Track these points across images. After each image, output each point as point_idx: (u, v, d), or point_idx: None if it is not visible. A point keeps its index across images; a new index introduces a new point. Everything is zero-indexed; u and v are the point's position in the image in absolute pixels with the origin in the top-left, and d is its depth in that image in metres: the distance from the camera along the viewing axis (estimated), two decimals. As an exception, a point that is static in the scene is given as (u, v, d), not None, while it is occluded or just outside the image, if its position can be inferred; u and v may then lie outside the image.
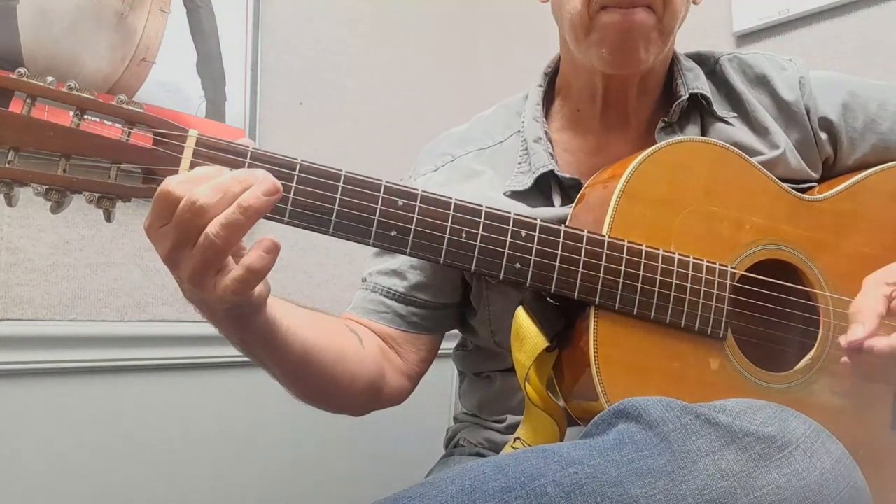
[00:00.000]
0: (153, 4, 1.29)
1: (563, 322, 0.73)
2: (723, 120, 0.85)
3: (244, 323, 0.64)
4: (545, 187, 0.85)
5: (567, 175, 0.84)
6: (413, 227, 0.65)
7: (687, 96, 0.84)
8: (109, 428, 1.19)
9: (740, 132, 0.84)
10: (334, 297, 1.53)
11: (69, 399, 1.15)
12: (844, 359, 0.72)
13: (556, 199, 0.84)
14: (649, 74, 0.84)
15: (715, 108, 0.85)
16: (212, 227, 0.55)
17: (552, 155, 0.85)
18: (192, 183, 0.56)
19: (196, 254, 0.57)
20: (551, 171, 0.84)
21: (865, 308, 0.70)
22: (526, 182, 0.84)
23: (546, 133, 0.87)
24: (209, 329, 1.35)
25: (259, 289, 0.61)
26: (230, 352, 1.34)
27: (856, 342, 0.68)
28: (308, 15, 1.60)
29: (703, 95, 0.85)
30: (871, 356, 0.68)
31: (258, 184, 0.56)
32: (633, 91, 0.85)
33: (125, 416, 1.20)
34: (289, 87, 1.54)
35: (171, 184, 0.56)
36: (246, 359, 1.35)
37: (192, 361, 1.30)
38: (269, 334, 0.67)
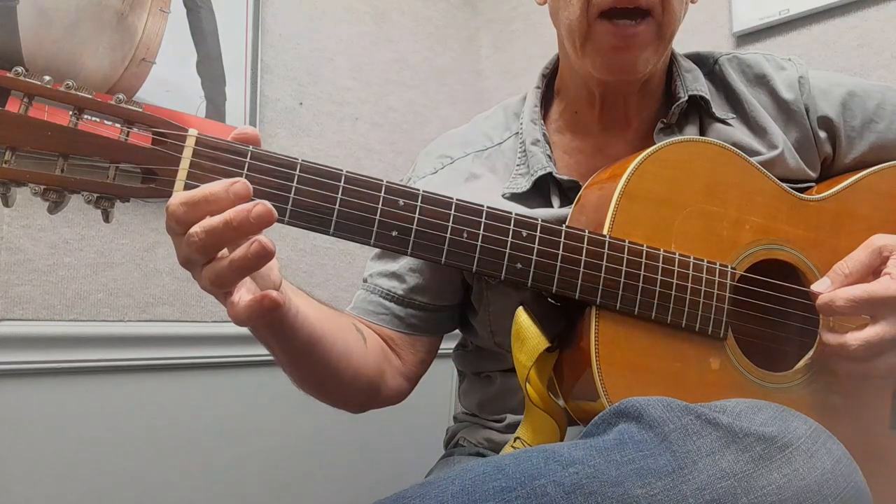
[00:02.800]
0: (153, 4, 1.30)
1: (563, 322, 0.73)
2: (721, 121, 0.85)
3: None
4: (544, 189, 0.85)
5: (566, 177, 0.83)
6: (414, 227, 0.65)
7: (686, 98, 0.84)
8: (109, 428, 1.19)
9: (739, 132, 0.84)
10: (334, 297, 1.53)
11: (69, 399, 1.15)
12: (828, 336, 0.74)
13: (555, 201, 0.84)
14: (649, 77, 0.84)
15: (714, 109, 0.85)
16: (205, 272, 0.57)
17: (550, 157, 0.85)
18: (187, 207, 0.56)
19: (201, 280, 0.58)
20: (549, 174, 0.84)
21: (839, 268, 0.73)
22: (524, 184, 0.84)
23: (544, 135, 0.87)
24: (209, 329, 1.36)
25: (273, 284, 0.63)
26: (230, 352, 1.36)
27: (813, 294, 0.73)
28: (308, 15, 1.60)
29: (701, 97, 0.85)
30: (846, 352, 0.70)
31: (253, 246, 0.55)
32: (632, 95, 0.85)
33: (125, 416, 1.20)
34: (289, 87, 1.54)
35: (170, 204, 0.57)
36: (246, 359, 1.36)
37: (192, 361, 1.30)
38: (278, 318, 0.67)
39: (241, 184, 0.56)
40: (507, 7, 2.02)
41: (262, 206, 0.55)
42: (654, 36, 0.77)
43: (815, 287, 0.73)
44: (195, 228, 0.55)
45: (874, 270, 0.72)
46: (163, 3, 1.31)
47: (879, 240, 0.74)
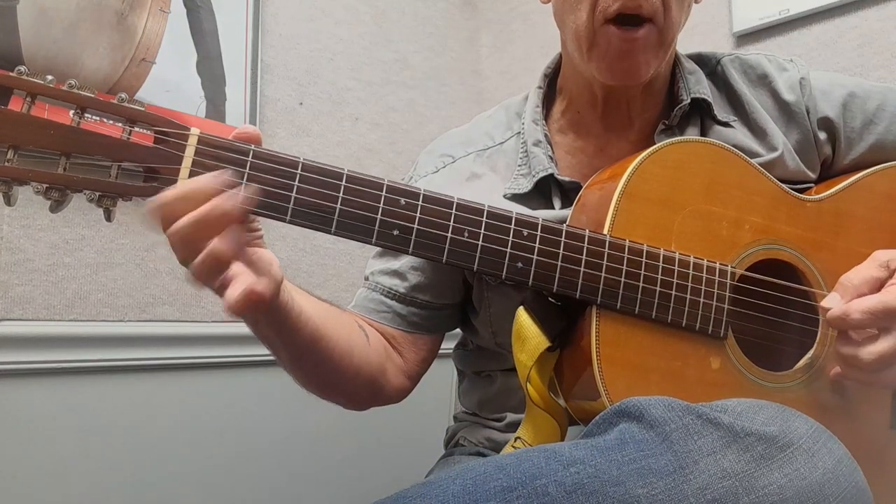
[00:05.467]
0: (153, 4, 1.29)
1: (564, 322, 0.73)
2: (723, 123, 0.85)
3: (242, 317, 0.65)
4: (545, 190, 0.85)
5: (567, 178, 0.84)
6: (415, 226, 0.65)
7: (689, 101, 0.84)
8: (110, 428, 1.18)
9: (739, 134, 0.84)
10: (334, 297, 1.53)
11: (69, 399, 1.15)
12: (836, 369, 0.74)
13: (557, 202, 0.84)
14: (652, 79, 0.84)
15: (715, 111, 0.85)
16: (193, 267, 0.57)
17: (552, 158, 0.85)
18: (180, 203, 0.57)
19: (194, 272, 0.58)
20: (551, 175, 0.84)
21: (848, 282, 0.72)
22: (526, 185, 0.85)
23: (546, 136, 0.87)
24: (209, 329, 1.36)
25: (272, 286, 0.63)
26: (230, 352, 1.36)
27: (823, 309, 0.72)
28: (308, 15, 1.60)
29: (703, 99, 0.85)
30: (859, 364, 0.69)
31: (223, 235, 0.56)
32: (635, 97, 0.85)
33: (125, 416, 1.20)
34: (289, 87, 1.54)
35: (154, 204, 0.57)
36: (246, 359, 1.36)
37: (192, 361, 1.30)
38: (281, 317, 0.67)
39: (204, 180, 0.58)
40: (507, 7, 2.02)
41: (223, 204, 0.57)
42: (655, 41, 0.77)
43: (825, 303, 0.73)
44: (171, 230, 0.56)
45: (881, 283, 0.72)
46: (163, 3, 1.31)
47: (884, 254, 0.74)
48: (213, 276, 0.57)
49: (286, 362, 0.76)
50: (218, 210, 0.56)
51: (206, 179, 0.58)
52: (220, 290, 0.58)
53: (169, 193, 0.57)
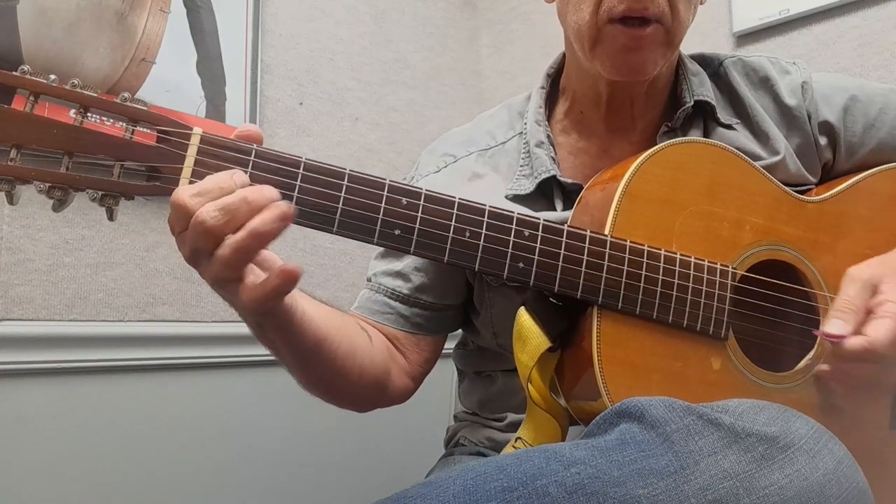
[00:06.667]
0: (153, 4, 1.29)
1: (565, 322, 0.73)
2: (726, 126, 0.85)
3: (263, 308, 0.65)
4: (547, 191, 0.85)
5: (569, 180, 0.83)
6: (417, 226, 0.65)
7: (692, 103, 0.84)
8: (109, 428, 1.18)
9: (742, 137, 0.84)
10: (334, 297, 1.53)
11: (69, 399, 1.15)
12: (822, 366, 0.73)
13: (559, 204, 0.84)
14: (655, 79, 0.84)
15: (718, 114, 0.85)
16: (222, 250, 0.57)
17: (554, 159, 0.85)
18: (203, 197, 0.57)
19: (213, 266, 0.58)
20: (553, 177, 0.84)
21: (846, 307, 0.72)
22: (528, 186, 0.84)
23: (549, 137, 0.87)
24: (209, 329, 1.36)
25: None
26: (230, 352, 1.35)
27: (829, 336, 0.71)
28: (308, 15, 1.60)
29: (707, 102, 0.85)
30: (846, 356, 0.69)
31: (270, 209, 0.57)
32: (639, 96, 0.85)
33: (125, 416, 1.20)
34: (289, 87, 1.54)
35: (181, 196, 0.57)
36: (246, 359, 1.36)
37: (192, 361, 1.30)
38: (286, 320, 0.67)
39: (241, 174, 0.59)
40: (507, 7, 2.02)
41: (269, 188, 0.58)
42: (662, 39, 0.77)
43: (832, 330, 0.71)
44: (208, 210, 0.56)
45: (868, 303, 0.72)
46: (163, 3, 1.31)
47: (861, 272, 0.74)
48: (244, 261, 0.58)
49: (292, 366, 0.76)
50: (246, 200, 0.57)
51: (225, 175, 0.59)
52: (237, 282, 0.58)
53: (196, 186, 0.58)
